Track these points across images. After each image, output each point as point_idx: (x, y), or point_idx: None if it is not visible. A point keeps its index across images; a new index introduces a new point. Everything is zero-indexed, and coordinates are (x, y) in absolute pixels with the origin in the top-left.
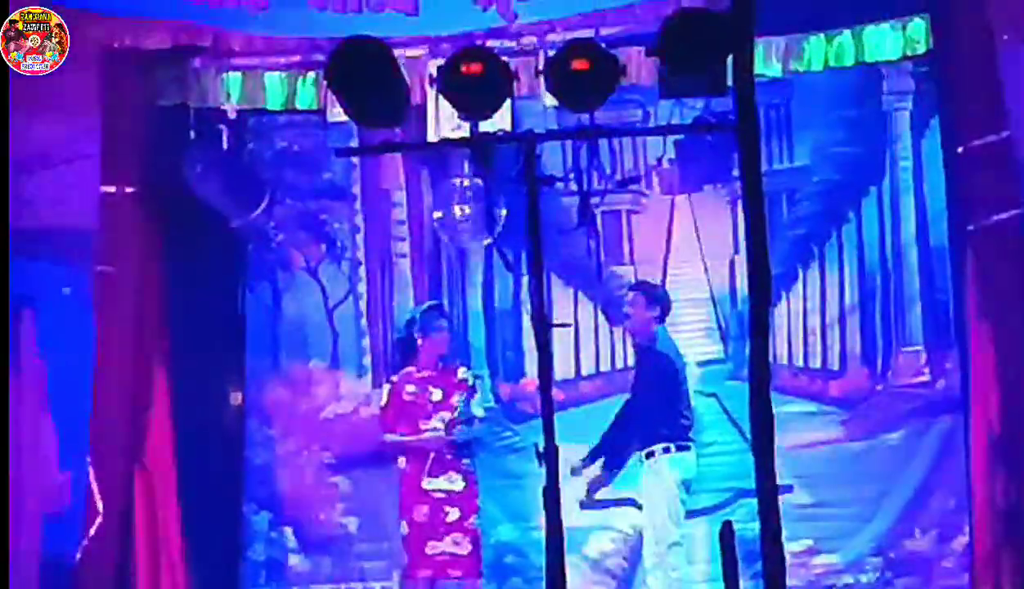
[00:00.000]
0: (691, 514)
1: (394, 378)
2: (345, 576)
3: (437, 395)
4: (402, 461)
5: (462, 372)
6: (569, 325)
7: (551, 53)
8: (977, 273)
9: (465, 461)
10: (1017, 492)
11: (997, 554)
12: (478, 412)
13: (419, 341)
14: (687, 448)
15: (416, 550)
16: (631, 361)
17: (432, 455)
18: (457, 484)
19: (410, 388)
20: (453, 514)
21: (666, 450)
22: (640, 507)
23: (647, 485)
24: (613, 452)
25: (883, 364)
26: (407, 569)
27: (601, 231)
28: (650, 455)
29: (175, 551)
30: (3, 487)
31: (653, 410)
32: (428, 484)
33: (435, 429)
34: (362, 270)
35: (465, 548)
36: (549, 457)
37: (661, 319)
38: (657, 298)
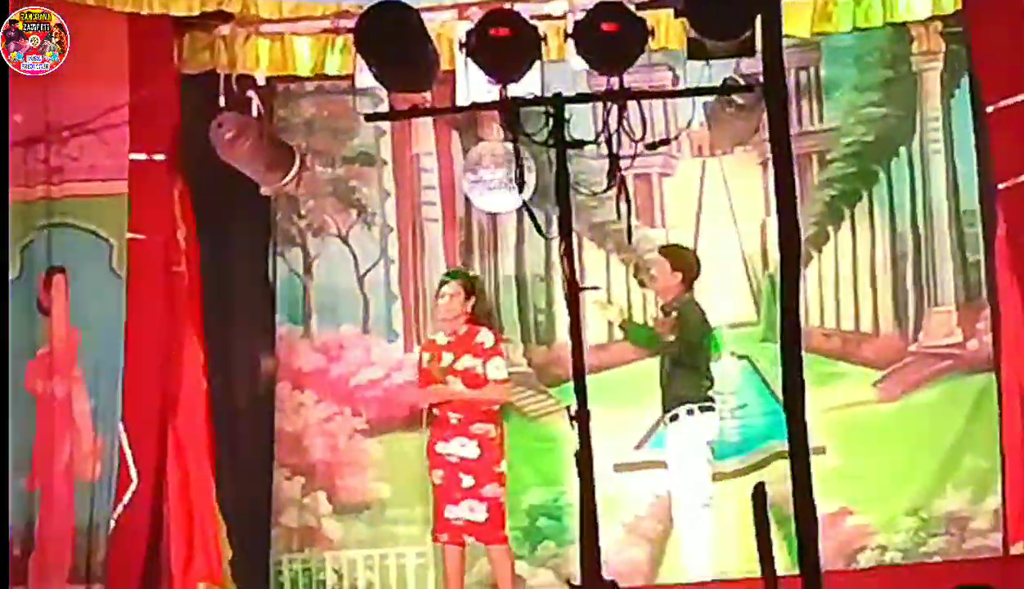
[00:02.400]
0: (724, 476)
1: (418, 346)
2: (378, 541)
3: (447, 359)
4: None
5: (479, 335)
6: (599, 288)
7: (579, 16)
8: (1008, 232)
9: (478, 427)
10: None
11: None
12: (495, 375)
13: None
14: (711, 409)
15: (438, 512)
16: None
17: (448, 420)
18: (470, 450)
19: (426, 355)
20: (467, 481)
21: (689, 412)
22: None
23: (673, 448)
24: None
25: (915, 325)
26: (433, 531)
27: (632, 194)
28: (674, 418)
29: (209, 518)
30: (3, 464)
31: (676, 372)
32: (441, 448)
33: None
34: (393, 236)
35: (480, 515)
36: (581, 420)
37: (687, 282)
38: (679, 262)
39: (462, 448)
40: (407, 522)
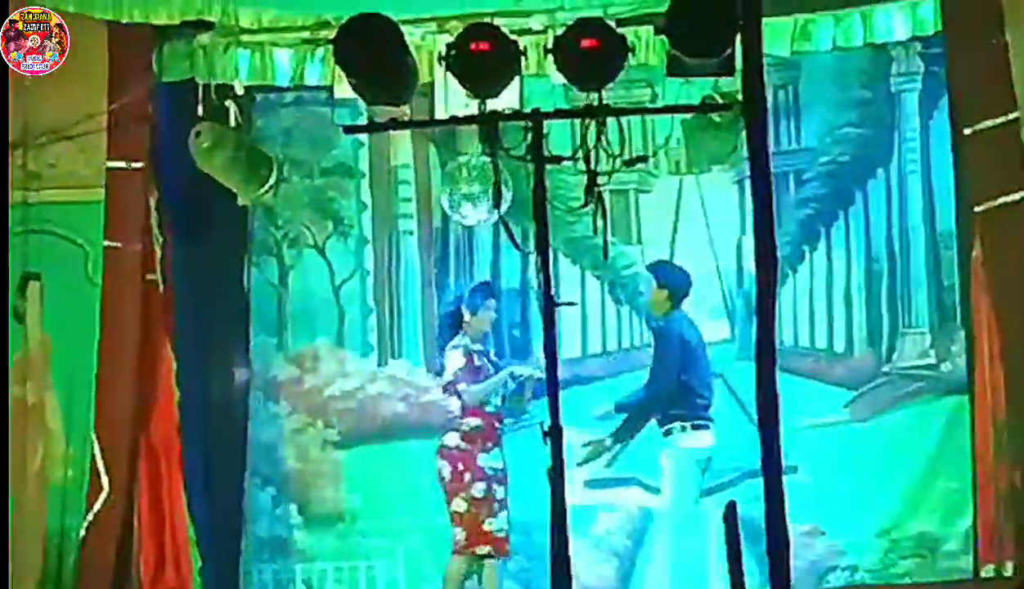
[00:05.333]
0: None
1: (458, 341)
2: (349, 553)
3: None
4: (453, 437)
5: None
6: (575, 304)
7: (560, 32)
8: (984, 255)
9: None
10: (1022, 474)
11: (1001, 536)
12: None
13: (467, 317)
14: (705, 426)
15: (475, 526)
16: (637, 340)
17: (494, 430)
18: (500, 462)
19: (476, 358)
20: (500, 491)
21: (683, 429)
22: (644, 487)
23: (664, 462)
24: (628, 428)
25: (888, 346)
26: (464, 545)
27: (609, 210)
28: (668, 433)
29: (179, 527)
30: (3, 459)
31: (668, 390)
32: (483, 461)
33: (496, 404)
34: (369, 248)
35: (508, 524)
36: (554, 436)
37: (675, 300)
38: (666, 279)
39: (497, 460)
40: (378, 534)
